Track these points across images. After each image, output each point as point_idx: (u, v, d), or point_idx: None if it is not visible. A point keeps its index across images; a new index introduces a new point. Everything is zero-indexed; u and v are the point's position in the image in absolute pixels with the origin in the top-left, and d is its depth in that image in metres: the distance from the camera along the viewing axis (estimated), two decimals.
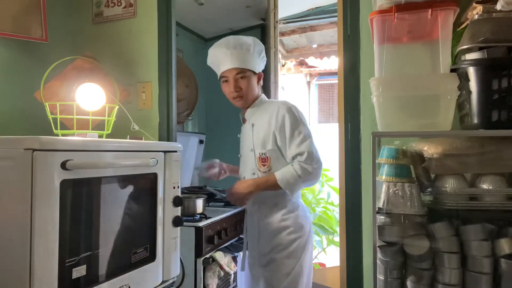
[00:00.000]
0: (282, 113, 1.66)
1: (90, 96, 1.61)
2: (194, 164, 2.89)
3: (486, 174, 1.21)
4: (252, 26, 3.09)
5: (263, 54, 1.78)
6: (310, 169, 1.60)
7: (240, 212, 2.21)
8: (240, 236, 2.19)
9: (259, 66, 1.77)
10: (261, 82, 1.81)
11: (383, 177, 1.29)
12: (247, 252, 1.84)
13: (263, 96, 1.82)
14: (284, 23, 3.76)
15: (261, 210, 1.75)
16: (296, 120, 1.65)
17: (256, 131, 1.74)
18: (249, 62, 1.71)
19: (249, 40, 1.74)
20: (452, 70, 1.23)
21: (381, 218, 1.32)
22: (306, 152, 1.60)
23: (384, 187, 1.29)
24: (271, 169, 1.69)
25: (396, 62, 1.28)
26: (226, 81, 1.73)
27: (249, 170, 1.77)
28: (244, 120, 1.85)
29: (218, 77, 1.78)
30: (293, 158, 1.63)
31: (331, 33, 4.16)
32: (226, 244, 2.04)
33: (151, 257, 1.37)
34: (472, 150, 1.20)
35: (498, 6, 1.13)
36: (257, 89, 1.77)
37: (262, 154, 1.70)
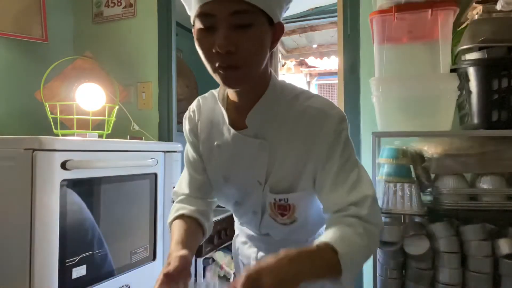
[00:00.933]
0: (330, 131, 0.80)
1: (90, 96, 1.61)
2: None
3: (486, 174, 1.21)
4: None
5: None
6: (377, 230, 0.78)
7: None
8: None
9: (280, 12, 0.80)
10: (276, 46, 0.84)
11: (383, 177, 1.29)
12: None
13: (276, 79, 0.87)
14: (284, 23, 3.75)
15: None
16: (350, 145, 0.84)
17: (278, 158, 0.85)
18: None
19: None
20: (452, 70, 1.23)
21: None
22: (367, 199, 0.78)
23: (384, 187, 1.29)
24: (295, 221, 0.89)
25: (396, 62, 1.28)
26: (211, 27, 0.73)
27: (247, 210, 0.94)
28: (234, 123, 0.87)
29: (192, 21, 0.79)
30: (341, 210, 0.78)
31: (331, 33, 4.15)
32: (226, 244, 2.04)
33: (151, 257, 1.37)
34: (472, 150, 1.20)
35: (498, 6, 1.13)
36: (266, 59, 0.80)
37: (281, 200, 0.87)
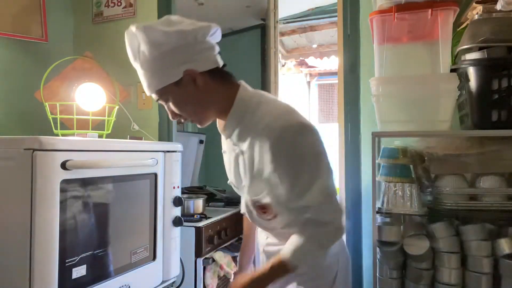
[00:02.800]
0: (268, 147, 0.94)
1: (90, 96, 1.61)
2: (194, 164, 2.88)
3: (486, 174, 1.21)
4: (252, 26, 3.09)
5: (171, 35, 0.93)
6: (331, 234, 1.02)
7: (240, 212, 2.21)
8: (240, 236, 2.19)
9: (180, 64, 0.95)
10: (205, 80, 0.97)
11: (383, 177, 1.29)
12: None
13: (244, 92, 1.02)
14: (284, 23, 3.75)
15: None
16: (293, 154, 0.95)
17: (248, 166, 1.02)
18: (156, 79, 0.95)
19: (137, 38, 0.94)
20: (452, 70, 1.23)
21: (381, 218, 1.32)
22: (315, 204, 0.96)
23: (384, 187, 1.29)
24: (277, 216, 1.05)
25: (396, 62, 1.28)
26: None
27: (244, 205, 1.15)
28: (225, 133, 1.06)
29: None
30: (300, 210, 0.98)
31: (331, 33, 4.15)
32: (226, 244, 2.03)
33: (151, 257, 1.37)
34: (472, 150, 1.20)
35: (498, 6, 1.13)
36: (203, 92, 0.97)
37: (256, 202, 1.06)
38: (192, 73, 0.95)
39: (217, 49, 1.01)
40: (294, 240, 1.00)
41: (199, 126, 1.04)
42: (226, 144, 1.11)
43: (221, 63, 1.01)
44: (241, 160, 1.03)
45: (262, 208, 1.06)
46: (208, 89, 0.97)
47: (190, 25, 0.95)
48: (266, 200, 1.02)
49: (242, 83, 1.03)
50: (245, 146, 1.00)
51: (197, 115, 1.01)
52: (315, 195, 0.96)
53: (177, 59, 0.94)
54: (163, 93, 0.97)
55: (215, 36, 1.01)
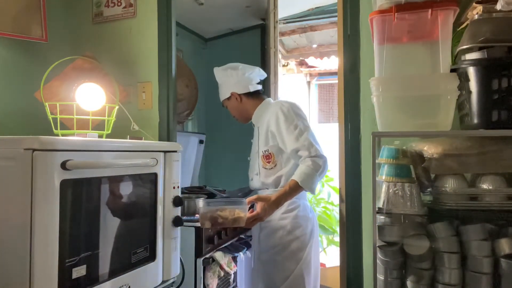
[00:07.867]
0: (275, 111, 1.79)
1: (90, 96, 1.61)
2: (194, 164, 2.88)
3: (486, 174, 1.21)
4: (252, 26, 3.09)
5: (228, 73, 1.95)
6: (321, 162, 1.68)
7: None
8: (240, 236, 2.19)
9: (230, 89, 1.96)
10: (242, 98, 1.95)
11: (383, 177, 1.29)
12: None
13: (267, 100, 1.96)
14: (284, 23, 3.76)
15: None
16: (290, 115, 1.76)
17: (260, 133, 1.89)
18: (221, 94, 2.01)
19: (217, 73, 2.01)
20: (452, 70, 1.23)
21: (381, 218, 1.32)
22: (307, 145, 1.68)
23: (384, 187, 1.29)
24: (276, 165, 1.82)
25: (396, 62, 1.28)
26: None
27: (254, 171, 1.94)
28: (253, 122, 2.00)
29: None
30: (296, 152, 1.71)
31: (331, 33, 4.15)
32: (226, 244, 2.04)
33: (151, 257, 1.37)
34: (472, 150, 1.20)
35: (498, 6, 1.13)
36: (240, 106, 1.96)
37: (265, 151, 1.84)
38: (234, 93, 1.95)
39: (255, 80, 1.95)
40: (300, 168, 1.68)
41: (242, 122, 2.03)
42: (254, 134, 1.98)
43: (252, 89, 1.92)
44: (258, 132, 1.90)
45: (267, 158, 1.83)
46: (243, 103, 1.95)
47: (241, 69, 1.91)
48: (272, 149, 1.81)
49: (267, 99, 1.97)
50: (260, 123, 1.90)
51: (236, 116, 2.01)
52: (307, 138, 1.70)
53: (230, 85, 1.94)
54: (225, 102, 1.99)
55: (254, 73, 1.94)
